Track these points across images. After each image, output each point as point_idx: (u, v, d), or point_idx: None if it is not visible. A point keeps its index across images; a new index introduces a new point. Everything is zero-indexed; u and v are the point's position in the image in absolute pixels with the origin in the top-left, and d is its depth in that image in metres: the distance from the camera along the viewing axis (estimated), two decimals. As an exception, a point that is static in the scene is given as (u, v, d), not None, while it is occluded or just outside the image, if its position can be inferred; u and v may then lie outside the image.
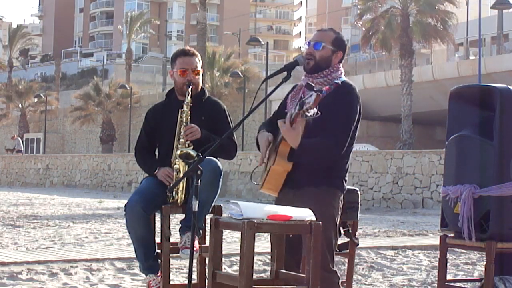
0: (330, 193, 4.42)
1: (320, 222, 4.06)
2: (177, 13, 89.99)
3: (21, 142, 47.91)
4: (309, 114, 4.12)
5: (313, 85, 4.24)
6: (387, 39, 33.88)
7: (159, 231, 5.20)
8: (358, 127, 4.48)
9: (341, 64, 4.55)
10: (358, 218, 4.88)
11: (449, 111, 5.18)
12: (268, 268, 7.24)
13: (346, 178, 4.54)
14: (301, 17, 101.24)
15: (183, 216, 5.25)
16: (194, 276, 5.33)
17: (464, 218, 4.83)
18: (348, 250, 4.99)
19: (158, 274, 5.25)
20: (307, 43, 4.54)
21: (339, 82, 4.40)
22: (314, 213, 4.20)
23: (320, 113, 4.12)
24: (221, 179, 5.20)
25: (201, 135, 5.22)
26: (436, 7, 33.48)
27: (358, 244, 4.96)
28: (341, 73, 4.50)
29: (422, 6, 33.44)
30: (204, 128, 5.26)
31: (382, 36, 33.93)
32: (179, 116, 5.27)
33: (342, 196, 4.51)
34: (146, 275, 5.31)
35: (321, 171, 4.40)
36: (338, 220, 4.49)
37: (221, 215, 5.16)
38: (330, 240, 4.38)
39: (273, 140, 4.45)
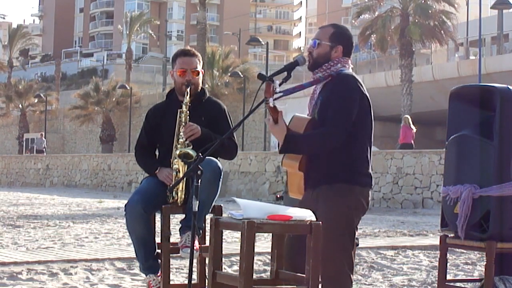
0: (344, 190, 4.36)
1: (320, 222, 4.06)
2: (177, 13, 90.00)
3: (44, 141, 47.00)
4: (270, 103, 4.16)
5: (264, 74, 4.25)
6: (387, 39, 33.86)
7: (159, 231, 5.20)
8: (370, 117, 4.38)
9: (346, 58, 4.48)
10: (358, 218, 4.87)
11: (449, 111, 5.18)
12: (268, 268, 7.24)
13: (370, 172, 4.47)
14: (301, 17, 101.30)
15: (183, 216, 5.24)
16: (194, 276, 5.33)
17: (462, 217, 4.83)
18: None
19: (158, 274, 5.24)
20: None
21: (333, 73, 4.41)
22: (326, 211, 4.21)
23: (282, 93, 4.22)
24: (221, 179, 5.19)
25: (201, 133, 5.22)
26: (434, 7, 33.47)
27: (358, 244, 4.95)
28: (342, 66, 4.45)
29: (417, 8, 33.40)
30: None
31: (381, 36, 33.92)
32: (178, 117, 5.27)
33: (367, 191, 4.45)
34: (146, 275, 5.31)
35: (334, 168, 4.35)
36: (359, 216, 4.44)
37: (221, 215, 5.16)
38: (341, 241, 4.30)
39: None
